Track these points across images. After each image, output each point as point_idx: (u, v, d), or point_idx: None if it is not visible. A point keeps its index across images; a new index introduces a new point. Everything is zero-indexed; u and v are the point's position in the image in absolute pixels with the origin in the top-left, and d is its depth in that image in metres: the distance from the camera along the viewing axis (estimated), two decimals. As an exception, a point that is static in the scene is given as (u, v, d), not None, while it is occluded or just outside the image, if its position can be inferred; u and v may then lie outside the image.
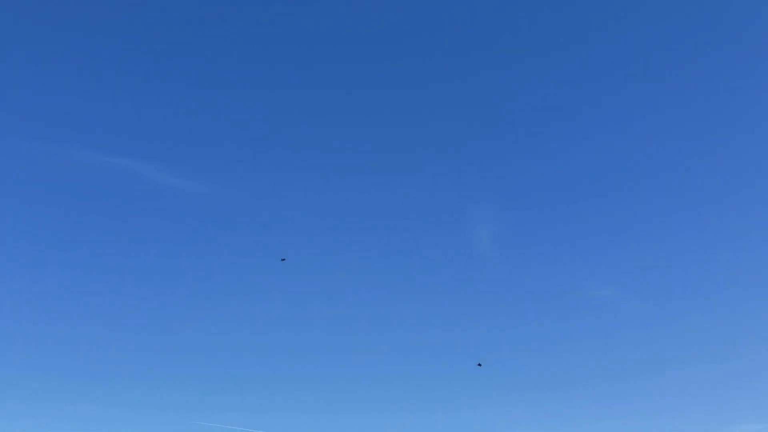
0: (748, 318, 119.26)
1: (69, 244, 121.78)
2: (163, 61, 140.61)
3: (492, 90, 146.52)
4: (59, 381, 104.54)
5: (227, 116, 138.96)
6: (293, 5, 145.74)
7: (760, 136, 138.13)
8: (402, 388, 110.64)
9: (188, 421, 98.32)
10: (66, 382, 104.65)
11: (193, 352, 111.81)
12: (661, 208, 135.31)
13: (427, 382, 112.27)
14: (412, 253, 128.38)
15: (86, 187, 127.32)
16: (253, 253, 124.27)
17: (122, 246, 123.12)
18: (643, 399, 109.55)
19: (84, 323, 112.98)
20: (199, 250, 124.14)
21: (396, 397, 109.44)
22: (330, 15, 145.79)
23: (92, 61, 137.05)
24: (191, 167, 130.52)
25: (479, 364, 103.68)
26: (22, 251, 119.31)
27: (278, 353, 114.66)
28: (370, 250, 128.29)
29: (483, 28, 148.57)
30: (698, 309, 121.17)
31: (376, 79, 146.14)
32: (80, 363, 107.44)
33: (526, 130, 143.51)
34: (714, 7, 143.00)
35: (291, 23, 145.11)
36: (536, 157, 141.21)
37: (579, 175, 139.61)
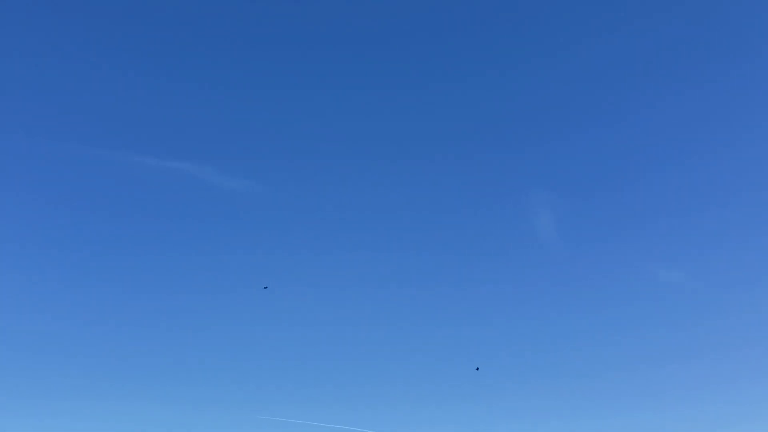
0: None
1: (136, 248, 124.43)
2: (214, 67, 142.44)
3: (550, 74, 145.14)
4: (123, 380, 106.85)
5: (278, 117, 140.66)
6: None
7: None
8: (467, 378, 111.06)
9: (251, 416, 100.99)
10: (133, 380, 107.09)
11: (253, 347, 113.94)
12: (732, 189, 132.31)
13: (494, 370, 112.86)
14: (476, 242, 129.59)
15: (147, 191, 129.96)
16: (310, 248, 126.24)
17: (187, 247, 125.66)
18: (714, 383, 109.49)
19: (149, 322, 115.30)
20: (260, 247, 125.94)
21: (462, 386, 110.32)
22: (368, 12, 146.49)
23: (143, 68, 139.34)
24: (246, 168, 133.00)
25: (477, 368, 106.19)
26: (87, 254, 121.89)
27: (339, 346, 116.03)
28: (433, 241, 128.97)
29: (535, 13, 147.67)
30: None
31: (425, 70, 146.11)
32: (147, 361, 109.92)
33: (585, 114, 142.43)
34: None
35: (333, 23, 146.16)
36: (597, 140, 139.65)
37: (643, 157, 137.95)
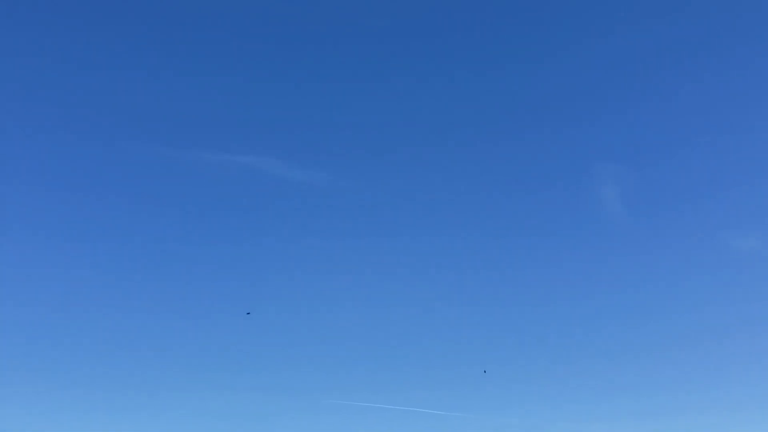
0: None
1: (207, 241, 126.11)
2: (275, 61, 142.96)
3: (611, 48, 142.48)
4: (195, 368, 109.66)
5: (341, 108, 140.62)
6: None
7: None
8: (539, 357, 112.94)
9: (321, 401, 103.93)
10: (205, 368, 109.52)
11: (320, 333, 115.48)
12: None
13: (565, 346, 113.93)
14: (540, 220, 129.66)
15: (212, 187, 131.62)
16: (379, 234, 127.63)
17: (255, 237, 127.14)
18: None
19: (220, 311, 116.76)
20: (328, 235, 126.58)
21: (534, 366, 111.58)
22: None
23: (205, 67, 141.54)
24: (310, 159, 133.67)
25: (485, 371, 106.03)
26: (159, 249, 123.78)
27: (405, 329, 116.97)
28: (497, 221, 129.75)
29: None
30: None
31: (481, 50, 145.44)
32: (216, 349, 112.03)
33: (648, 84, 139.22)
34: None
35: (396, 16, 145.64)
36: (661, 109, 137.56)
37: (710, 124, 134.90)
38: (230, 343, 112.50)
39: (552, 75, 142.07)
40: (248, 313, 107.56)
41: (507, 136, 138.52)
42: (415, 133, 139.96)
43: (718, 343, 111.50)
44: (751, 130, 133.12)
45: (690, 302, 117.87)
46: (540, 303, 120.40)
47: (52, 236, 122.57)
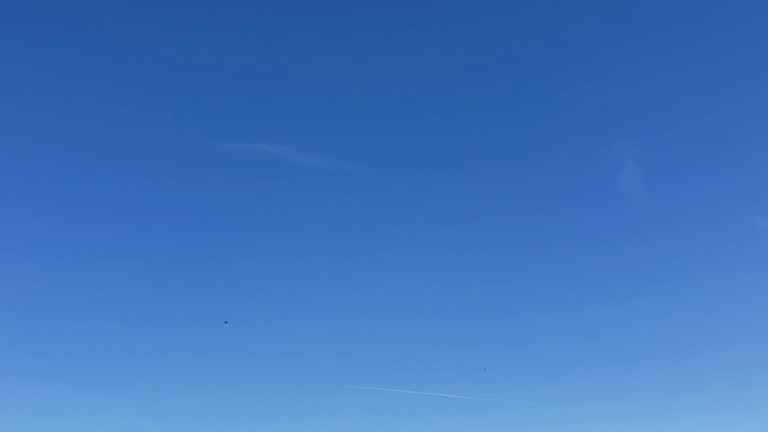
0: None
1: (223, 229, 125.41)
2: (289, 48, 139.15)
3: (630, 17, 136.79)
4: (209, 352, 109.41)
5: (357, 94, 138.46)
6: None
7: None
8: (559, 340, 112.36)
9: (342, 386, 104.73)
10: (229, 355, 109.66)
11: (339, 320, 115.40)
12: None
13: (582, 325, 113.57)
14: (557, 198, 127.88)
15: (229, 175, 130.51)
16: (397, 221, 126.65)
17: (274, 225, 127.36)
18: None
19: (238, 297, 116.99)
20: (345, 221, 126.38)
21: (552, 349, 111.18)
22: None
23: (217, 53, 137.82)
24: (326, 145, 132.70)
25: (484, 369, 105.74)
26: (173, 238, 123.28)
27: (428, 314, 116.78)
28: (512, 199, 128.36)
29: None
30: None
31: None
32: (239, 332, 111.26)
33: (669, 56, 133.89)
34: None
35: None
36: (681, 83, 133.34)
37: (731, 100, 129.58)
38: (248, 329, 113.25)
39: (572, 42, 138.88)
40: (226, 322, 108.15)
41: (522, 113, 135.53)
42: (432, 115, 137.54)
43: (739, 320, 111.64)
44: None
45: (712, 281, 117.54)
46: (559, 284, 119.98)
47: (65, 221, 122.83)
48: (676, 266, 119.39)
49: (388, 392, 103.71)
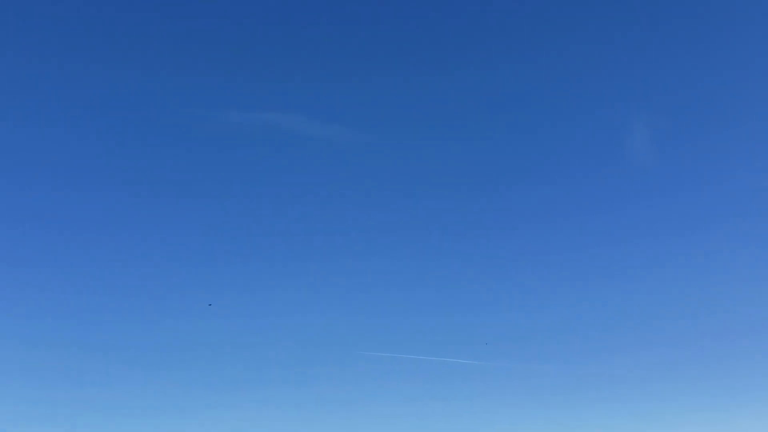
0: None
1: (234, 199, 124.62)
2: (295, 14, 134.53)
3: None
4: (224, 317, 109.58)
5: (363, 62, 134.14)
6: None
7: None
8: (570, 300, 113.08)
9: (354, 352, 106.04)
10: (237, 317, 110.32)
11: (349, 287, 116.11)
12: None
13: (594, 299, 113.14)
14: (562, 167, 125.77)
15: (237, 146, 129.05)
16: (404, 189, 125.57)
17: (284, 195, 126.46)
18: None
19: (254, 266, 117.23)
20: (355, 190, 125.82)
21: (565, 317, 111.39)
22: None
23: (224, 21, 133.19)
24: (335, 114, 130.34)
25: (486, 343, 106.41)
26: (182, 208, 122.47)
27: (440, 280, 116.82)
28: (518, 167, 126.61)
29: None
30: None
31: None
32: (250, 299, 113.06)
33: (681, 25, 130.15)
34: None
35: None
36: (697, 50, 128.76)
37: (749, 66, 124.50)
38: (258, 297, 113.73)
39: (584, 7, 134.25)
40: (210, 305, 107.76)
41: (531, 71, 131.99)
42: (444, 76, 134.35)
43: (754, 288, 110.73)
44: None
45: (725, 249, 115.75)
46: (569, 251, 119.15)
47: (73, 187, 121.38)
48: (686, 237, 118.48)
49: (401, 358, 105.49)
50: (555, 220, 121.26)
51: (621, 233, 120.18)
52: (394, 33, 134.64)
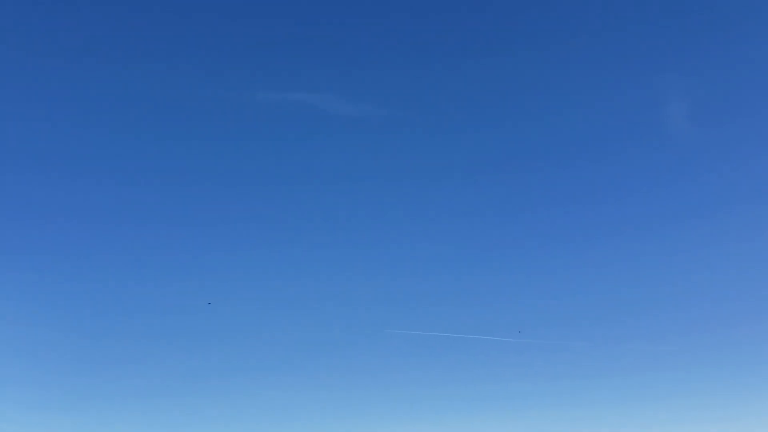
0: None
1: (262, 179, 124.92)
2: None
3: None
4: (255, 302, 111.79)
5: (394, 41, 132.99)
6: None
7: None
8: (603, 276, 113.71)
9: (383, 331, 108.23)
10: (265, 299, 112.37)
11: (382, 267, 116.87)
12: None
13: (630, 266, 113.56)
14: (598, 133, 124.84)
15: (266, 127, 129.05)
16: (437, 167, 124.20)
17: (312, 176, 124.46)
18: None
19: (279, 247, 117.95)
20: (385, 170, 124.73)
21: (589, 296, 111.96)
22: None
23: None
24: (364, 93, 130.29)
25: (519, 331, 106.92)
26: (210, 189, 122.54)
27: (469, 259, 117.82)
28: (550, 133, 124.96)
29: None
30: None
31: None
32: (275, 280, 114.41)
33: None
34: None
35: None
36: (737, 13, 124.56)
37: None
38: (289, 278, 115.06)
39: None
40: (209, 303, 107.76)
41: (561, 46, 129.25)
42: (473, 59, 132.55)
43: None
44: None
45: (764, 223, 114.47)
46: (604, 226, 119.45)
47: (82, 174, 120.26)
48: (726, 211, 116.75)
49: (428, 336, 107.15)
50: (587, 204, 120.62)
51: (649, 219, 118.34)
52: (430, 12, 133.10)
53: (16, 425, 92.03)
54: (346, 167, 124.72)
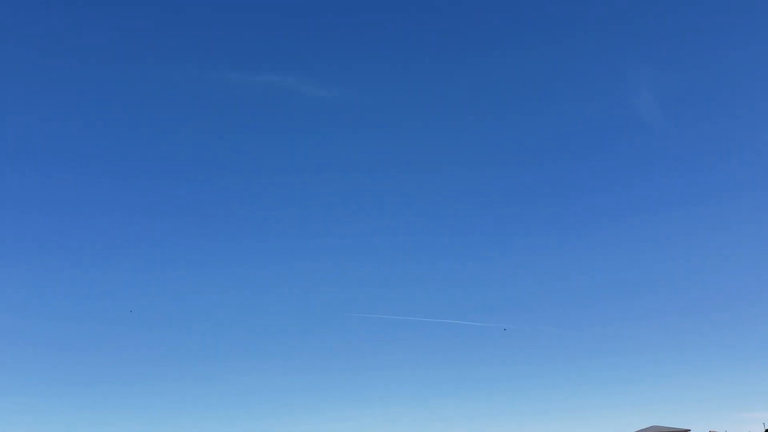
0: None
1: (238, 164, 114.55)
2: None
3: None
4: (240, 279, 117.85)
5: (359, 23, 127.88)
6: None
7: None
8: (578, 262, 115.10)
9: (344, 314, 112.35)
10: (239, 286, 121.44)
11: (346, 251, 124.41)
12: None
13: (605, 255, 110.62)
14: (573, 125, 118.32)
15: (236, 108, 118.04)
16: (402, 143, 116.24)
17: (280, 159, 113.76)
18: None
19: (252, 231, 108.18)
20: (350, 147, 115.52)
21: (564, 282, 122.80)
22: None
23: None
24: (330, 75, 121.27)
25: (504, 329, 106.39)
26: (187, 166, 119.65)
27: (430, 242, 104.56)
28: (528, 123, 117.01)
29: None
30: None
31: None
32: (250, 268, 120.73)
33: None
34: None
35: None
36: (704, 6, 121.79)
37: (757, 23, 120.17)
38: (254, 264, 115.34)
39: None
40: (131, 311, 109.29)
41: (535, 40, 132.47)
42: (435, 44, 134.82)
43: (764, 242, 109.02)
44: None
45: (741, 206, 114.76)
46: (578, 215, 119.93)
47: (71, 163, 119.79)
48: (698, 200, 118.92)
49: (386, 319, 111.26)
50: (581, 195, 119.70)
51: (647, 205, 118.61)
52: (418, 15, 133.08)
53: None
54: (320, 153, 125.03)
